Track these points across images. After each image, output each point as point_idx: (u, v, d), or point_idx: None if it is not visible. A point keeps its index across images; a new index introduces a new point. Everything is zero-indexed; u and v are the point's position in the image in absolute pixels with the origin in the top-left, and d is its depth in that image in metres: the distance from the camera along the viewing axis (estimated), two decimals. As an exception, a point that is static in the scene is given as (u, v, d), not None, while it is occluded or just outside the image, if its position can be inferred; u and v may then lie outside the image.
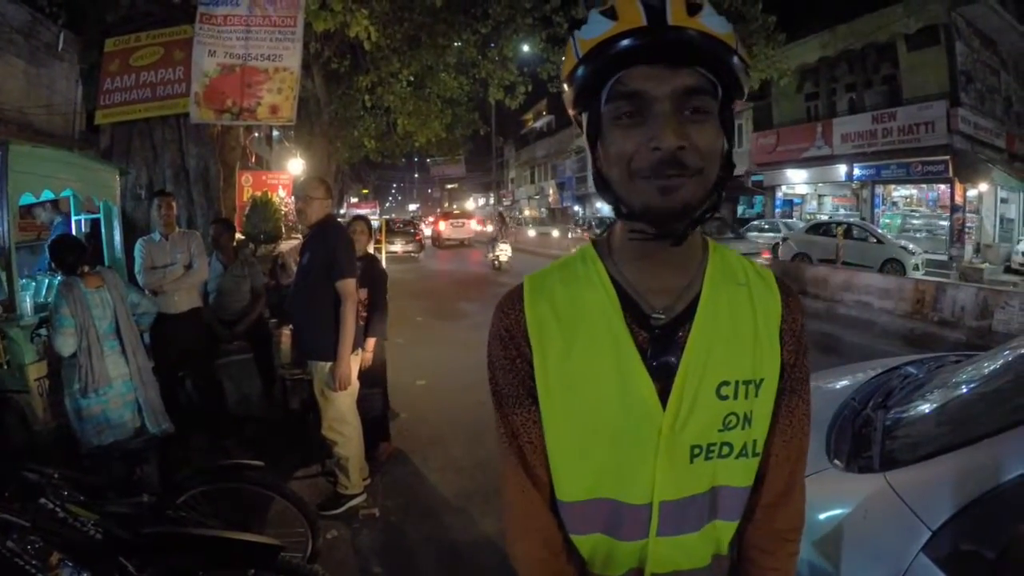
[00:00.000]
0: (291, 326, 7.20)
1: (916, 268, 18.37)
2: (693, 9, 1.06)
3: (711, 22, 1.06)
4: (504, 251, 22.76)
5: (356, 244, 5.52)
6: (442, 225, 37.25)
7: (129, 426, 4.45)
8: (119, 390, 4.42)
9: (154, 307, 5.11)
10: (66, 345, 4.26)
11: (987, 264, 20.90)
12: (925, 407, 2.68)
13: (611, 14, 1.08)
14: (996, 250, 23.88)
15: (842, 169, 26.18)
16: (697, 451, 1.20)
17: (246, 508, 3.96)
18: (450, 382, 8.19)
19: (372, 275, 5.76)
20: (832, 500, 2.30)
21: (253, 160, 12.18)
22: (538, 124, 58.97)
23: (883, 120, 24.14)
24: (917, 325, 11.86)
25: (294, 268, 9.11)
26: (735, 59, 1.09)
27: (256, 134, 11.76)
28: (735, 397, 1.20)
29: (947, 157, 22.25)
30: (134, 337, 4.63)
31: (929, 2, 22.14)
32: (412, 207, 63.93)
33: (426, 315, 13.23)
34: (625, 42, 1.05)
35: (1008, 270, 22.45)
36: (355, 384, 4.79)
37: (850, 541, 2.13)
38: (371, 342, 5.59)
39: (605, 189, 1.17)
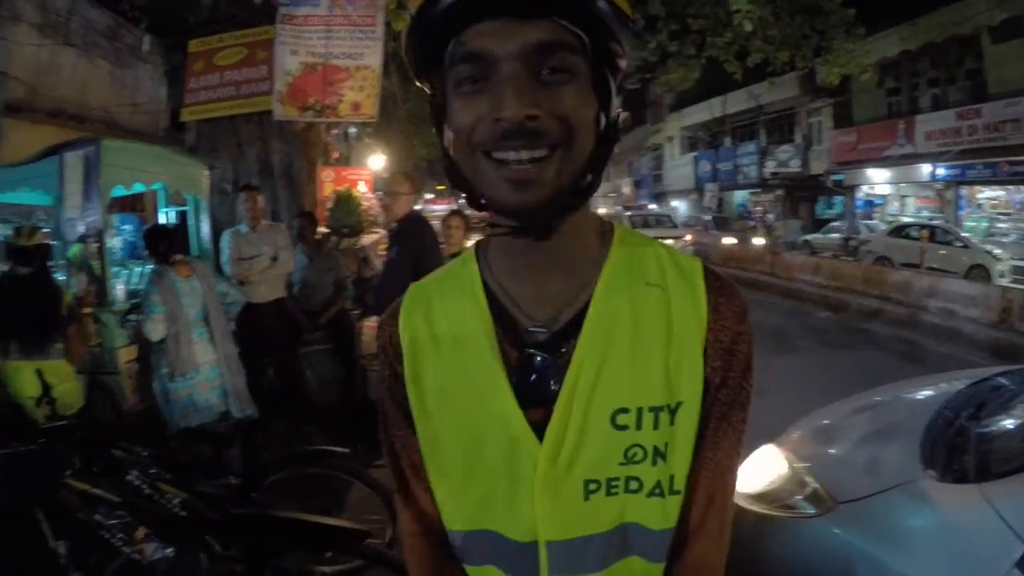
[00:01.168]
0: (375, 317, 7.36)
1: (1002, 275, 17.59)
2: None
3: None
4: None
5: (452, 239, 5.59)
6: None
7: (215, 410, 4.63)
8: (206, 375, 4.61)
9: (242, 297, 5.29)
10: (156, 331, 4.46)
11: None
12: (1021, 419, 2.65)
13: None
14: None
15: (925, 169, 24.64)
16: (594, 486, 0.97)
17: (327, 493, 4.05)
18: None
19: None
20: (925, 509, 2.28)
21: (335, 156, 12.40)
22: (613, 121, 57.51)
23: (968, 117, 22.64)
24: (1004, 335, 11.23)
25: (375, 261, 9.33)
26: (601, 2, 0.87)
27: (335, 131, 11.96)
28: (638, 427, 0.96)
29: None
30: (222, 325, 4.80)
31: None
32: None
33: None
34: None
35: None
36: None
37: (941, 551, 2.11)
38: None
39: (456, 176, 0.96)
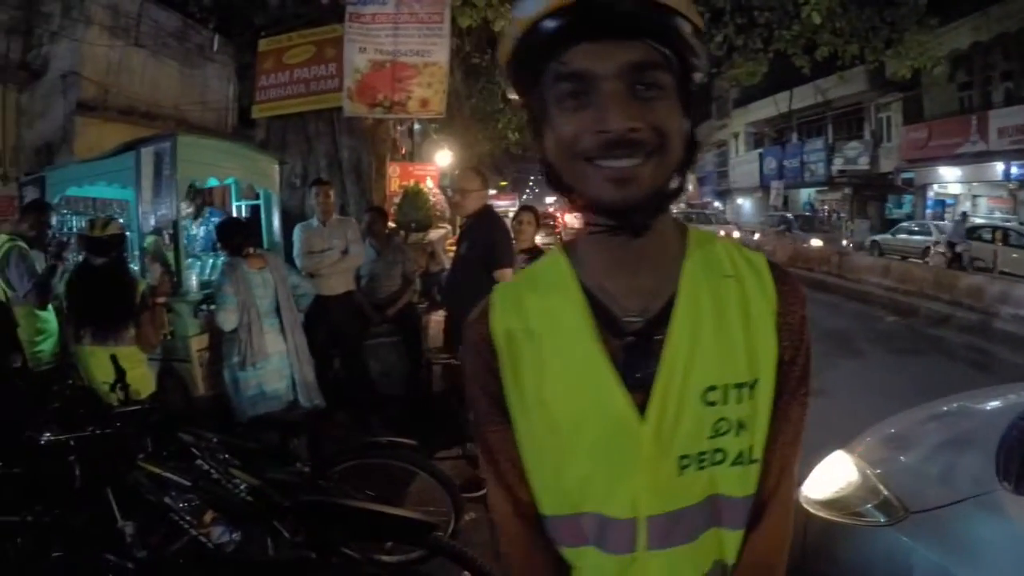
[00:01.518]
0: (442, 311, 7.40)
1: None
2: None
3: None
4: None
5: (523, 235, 5.57)
6: (568, 216, 39.36)
7: (283, 399, 4.71)
8: (275, 365, 4.69)
9: (313, 289, 5.38)
10: (228, 321, 4.56)
11: None
12: None
13: None
14: None
15: (999, 167, 23.19)
16: (687, 461, 1.07)
17: (392, 483, 4.07)
18: None
19: None
20: (999, 521, 2.25)
21: (403, 152, 12.52)
22: (677, 118, 56.88)
23: None
24: None
25: (442, 256, 9.41)
26: (682, 23, 0.96)
27: (400, 127, 12.08)
28: (725, 402, 1.06)
29: None
30: (293, 316, 4.89)
31: None
32: (549, 200, 63.94)
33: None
34: (560, 19, 0.94)
35: None
36: None
37: (1015, 564, 2.08)
38: None
39: (556, 182, 1.06)
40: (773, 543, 1.16)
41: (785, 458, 1.13)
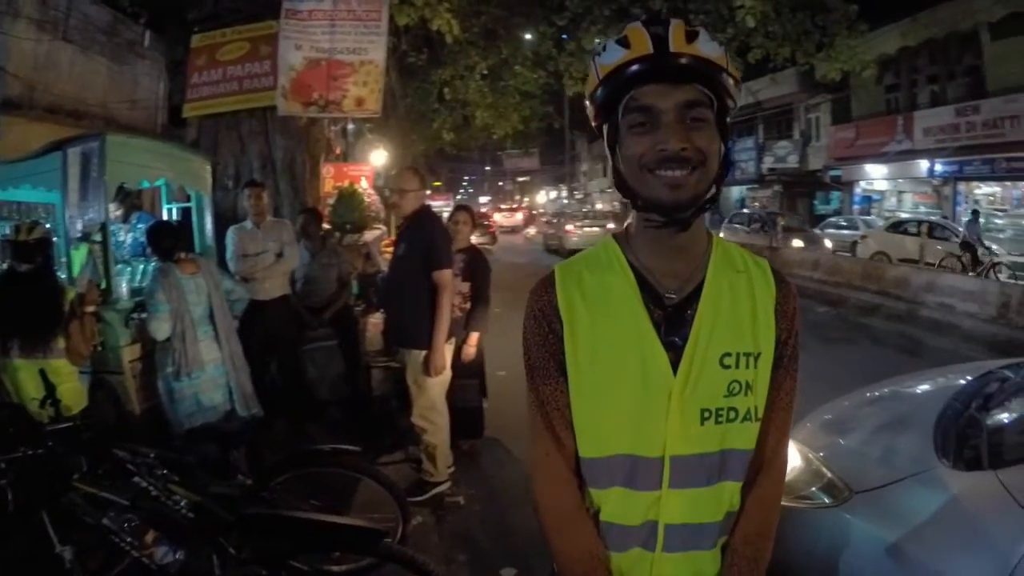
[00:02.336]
0: (379, 313, 7.31)
1: (1000, 271, 17.52)
2: (691, 36, 1.29)
3: (705, 47, 1.29)
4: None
5: (459, 235, 5.58)
6: (496, 215, 44.03)
7: (220, 409, 4.57)
8: (211, 374, 4.54)
9: (247, 294, 5.24)
10: (161, 329, 4.40)
11: None
12: None
13: (624, 43, 1.31)
14: None
15: (923, 165, 24.66)
16: (707, 414, 1.36)
17: (336, 491, 4.04)
18: None
19: (476, 267, 5.70)
20: (942, 496, 2.37)
21: (338, 152, 12.34)
22: (610, 118, 57.29)
23: (966, 113, 22.73)
24: (1001, 330, 11.43)
25: (378, 258, 9.28)
26: (725, 77, 1.31)
27: (335, 127, 11.91)
28: (737, 367, 1.37)
29: None
30: (228, 323, 4.75)
31: None
32: (483, 199, 64.04)
33: (503, 306, 12.95)
34: (636, 67, 1.29)
35: None
36: (447, 373, 4.83)
37: (959, 536, 2.20)
38: (474, 337, 5.58)
39: (623, 186, 1.38)
40: (775, 490, 1.50)
41: (782, 420, 1.47)
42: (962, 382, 3.38)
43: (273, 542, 2.93)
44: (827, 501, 2.67)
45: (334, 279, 6.78)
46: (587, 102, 1.42)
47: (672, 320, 1.38)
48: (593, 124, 1.47)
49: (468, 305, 5.58)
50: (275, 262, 5.99)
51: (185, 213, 7.13)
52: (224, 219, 7.00)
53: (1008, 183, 23.31)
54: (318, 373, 6.60)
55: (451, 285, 4.76)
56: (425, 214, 4.88)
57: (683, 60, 1.28)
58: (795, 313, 1.47)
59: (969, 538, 2.18)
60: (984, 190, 24.56)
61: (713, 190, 1.35)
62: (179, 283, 4.46)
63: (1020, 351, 9.61)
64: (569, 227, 27.44)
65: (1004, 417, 2.84)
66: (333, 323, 6.73)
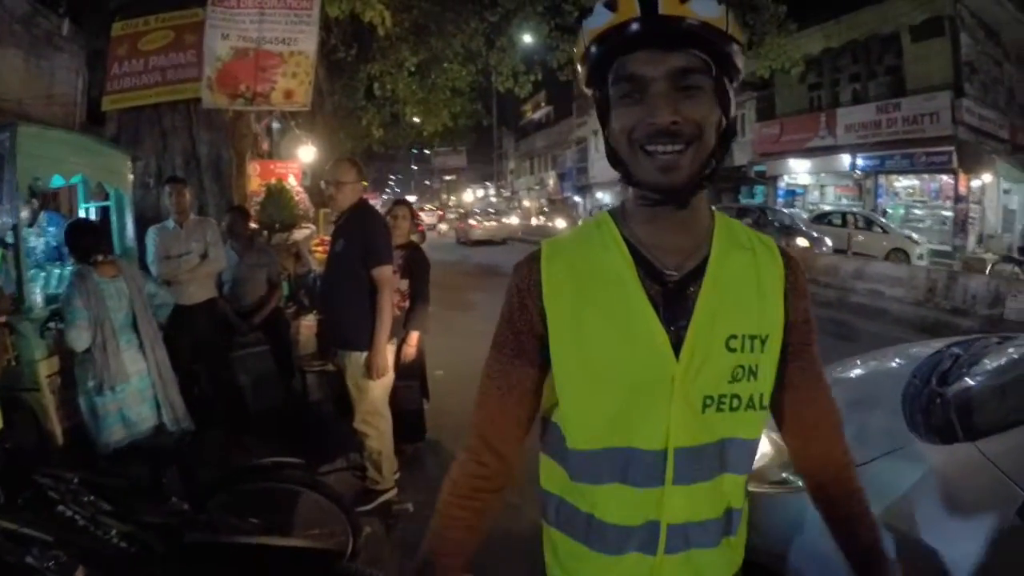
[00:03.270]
0: (312, 315, 7.03)
1: (920, 258, 18.61)
2: None
3: (700, 7, 1.16)
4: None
5: (398, 230, 5.36)
6: (422, 214, 46.05)
7: (148, 424, 4.21)
8: (137, 386, 4.18)
9: (172, 298, 4.90)
10: (80, 339, 4.01)
11: (990, 254, 20.97)
12: (997, 381, 2.90)
13: (612, 5, 1.19)
14: (999, 240, 24.05)
15: (845, 159, 26.11)
16: (709, 401, 1.27)
17: (279, 508, 3.77)
18: (468, 372, 7.92)
19: (415, 264, 5.52)
20: (923, 470, 2.42)
21: (265, 148, 11.95)
22: (537, 115, 58.49)
23: (887, 111, 24.17)
24: (929, 313, 12.17)
25: (308, 257, 8.97)
26: (726, 40, 1.19)
27: (262, 122, 11.53)
28: (742, 350, 1.28)
29: (951, 148, 22.37)
30: (152, 330, 4.39)
31: None
32: (410, 198, 63.83)
33: (437, 305, 12.83)
34: (624, 31, 1.17)
35: (1009, 259, 21.72)
36: (389, 375, 4.64)
37: (943, 506, 2.24)
38: (414, 336, 5.39)
39: (616, 160, 1.30)
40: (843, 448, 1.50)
41: (823, 413, 1.45)
42: (914, 359, 3.51)
43: (215, 572, 2.67)
44: (801, 484, 2.58)
45: (263, 281, 6.50)
46: (578, 67, 1.33)
47: (672, 299, 1.28)
48: (587, 93, 1.35)
49: (407, 303, 5.38)
50: (199, 264, 5.68)
51: (104, 213, 6.68)
52: (145, 219, 6.61)
53: (926, 176, 24.80)
54: (250, 381, 6.27)
55: (391, 282, 4.57)
56: (364, 208, 4.66)
57: (673, 23, 1.16)
58: (806, 288, 1.40)
59: (955, 507, 2.21)
60: (903, 183, 26.06)
61: (712, 164, 1.25)
62: (98, 288, 4.09)
63: (948, 331, 10.13)
64: (472, 222, 33.98)
65: (966, 389, 2.88)
66: (264, 327, 6.45)
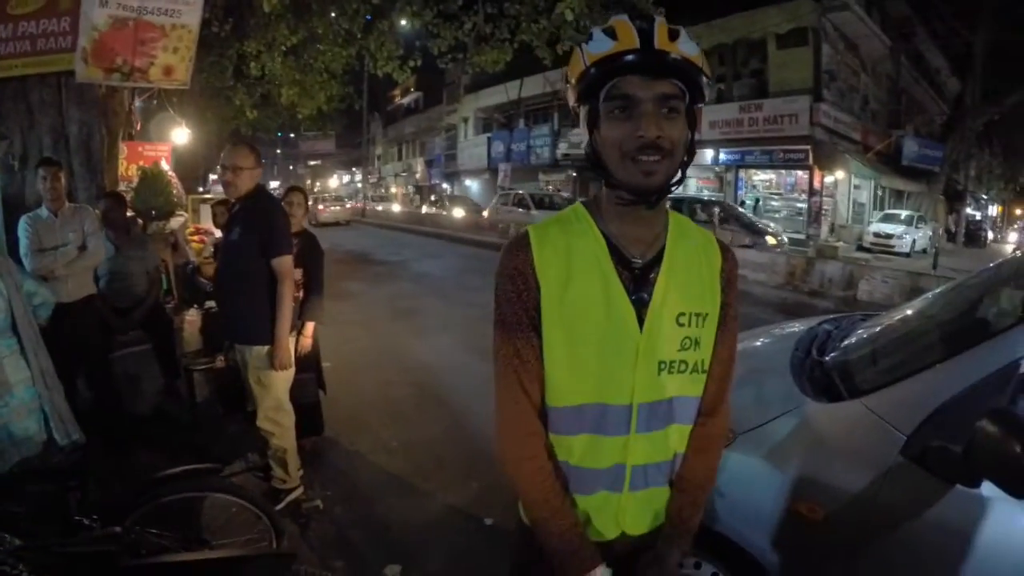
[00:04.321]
0: (194, 309, 6.59)
1: (778, 246, 19.56)
2: (673, 35, 1.43)
3: (685, 47, 1.43)
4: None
5: (293, 218, 5.06)
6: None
7: (36, 440, 3.65)
8: (21, 398, 3.60)
9: (53, 296, 4.35)
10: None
11: (841, 243, 23.05)
12: (866, 349, 3.26)
13: (611, 34, 1.44)
14: (850, 230, 26.97)
15: (708, 154, 27.98)
16: (663, 366, 1.56)
17: (196, 518, 3.56)
18: (356, 362, 8.01)
19: (309, 253, 5.28)
20: (816, 424, 2.76)
21: (139, 127, 11.12)
22: (407, 101, 58.03)
23: (750, 110, 26.15)
24: (790, 295, 13.27)
25: (186, 247, 8.42)
26: (700, 75, 1.45)
27: (139, 100, 10.71)
28: (689, 325, 1.57)
29: (808, 146, 24.61)
30: (34, 333, 3.82)
31: (802, 6, 24.55)
32: (274, 184, 61.85)
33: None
34: (623, 59, 1.41)
35: (860, 248, 25.14)
36: (291, 369, 4.41)
37: (837, 454, 2.58)
38: (310, 327, 5.20)
39: (598, 165, 1.53)
40: (720, 430, 1.73)
41: (725, 371, 1.70)
42: (794, 336, 3.88)
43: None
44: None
45: (143, 274, 6.04)
46: (569, 84, 1.54)
47: (638, 281, 1.55)
48: (571, 105, 1.59)
49: (301, 293, 5.15)
50: (78, 256, 5.18)
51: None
52: (10, 206, 6.00)
53: (783, 171, 27.12)
54: (131, 383, 5.83)
55: (292, 271, 4.33)
56: (262, 195, 4.37)
57: (666, 57, 1.41)
58: (736, 278, 1.69)
59: (847, 454, 2.55)
60: (761, 177, 28.29)
61: (679, 175, 1.51)
62: (-31, 287, 3.58)
63: (808, 311, 11.38)
64: (320, 207, 37.73)
65: (843, 357, 3.23)
66: (144, 324, 6.01)
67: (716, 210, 19.34)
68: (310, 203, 7.17)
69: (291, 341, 4.43)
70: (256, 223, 4.20)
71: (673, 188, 1.51)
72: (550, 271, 1.53)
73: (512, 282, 1.55)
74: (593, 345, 1.53)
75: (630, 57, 1.41)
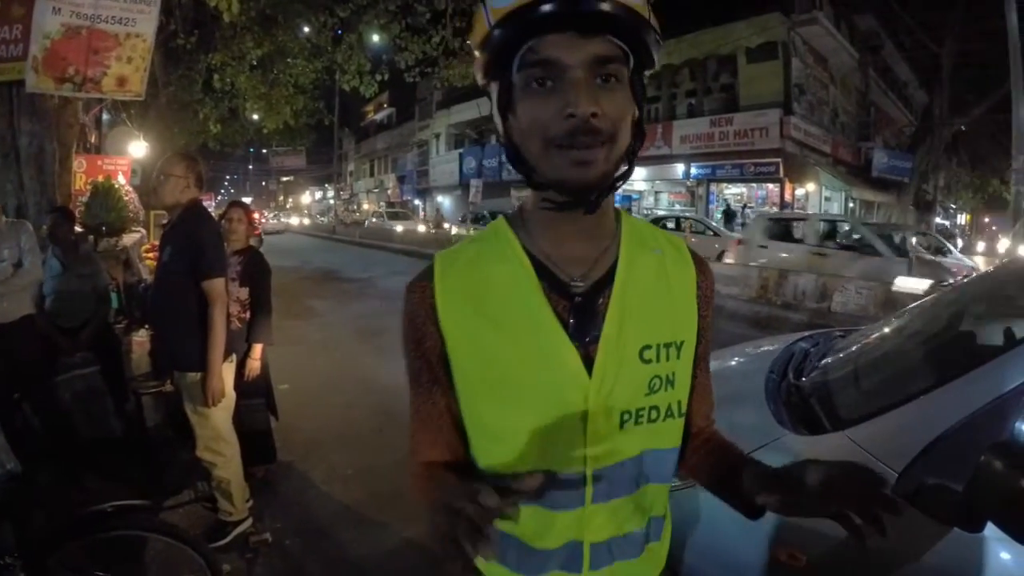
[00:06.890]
0: (144, 330, 6.38)
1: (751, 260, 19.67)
2: None
3: None
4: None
5: (235, 234, 4.92)
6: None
7: (-34, 470, 3.52)
8: (-47, 423, 3.49)
9: (-11, 317, 4.18)
10: None
11: None
12: (847, 370, 3.03)
13: None
14: None
15: (679, 168, 28.30)
16: (627, 416, 1.19)
17: (128, 558, 3.43)
18: (313, 385, 7.79)
19: (255, 271, 5.06)
20: (792, 460, 2.41)
21: (94, 140, 10.87)
22: (379, 116, 57.97)
23: (721, 124, 26.49)
24: (762, 308, 13.01)
25: (139, 265, 8.18)
26: (646, 28, 1.08)
27: (90, 113, 10.51)
28: (657, 360, 1.20)
29: (778, 160, 24.84)
30: (-33, 355, 3.70)
31: (771, 21, 24.94)
32: (245, 200, 61.86)
33: (276, 313, 12.26)
34: (539, 10, 1.02)
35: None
36: (230, 396, 4.17)
37: None
38: (258, 349, 4.97)
39: (517, 160, 1.15)
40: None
41: (710, 406, 1.46)
42: (767, 356, 3.67)
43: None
44: (677, 482, 2.54)
45: (90, 292, 5.82)
46: (476, 53, 1.15)
47: (581, 312, 1.18)
48: (480, 83, 1.21)
49: (247, 314, 4.97)
50: (12, 274, 5.00)
51: None
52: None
53: (754, 184, 27.53)
54: (79, 407, 5.56)
55: (224, 295, 4.04)
56: (193, 211, 4.06)
57: (596, 5, 1.02)
58: (713, 294, 1.35)
59: None
60: (733, 190, 28.70)
61: (626, 166, 1.17)
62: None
63: (781, 325, 11.23)
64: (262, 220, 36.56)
65: (822, 380, 3.01)
66: (92, 345, 5.76)
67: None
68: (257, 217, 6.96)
69: (233, 366, 4.24)
70: (186, 243, 3.95)
71: (619, 184, 1.17)
72: (454, 314, 1.20)
73: (406, 328, 1.25)
74: (524, 401, 1.17)
75: (548, 7, 1.02)
